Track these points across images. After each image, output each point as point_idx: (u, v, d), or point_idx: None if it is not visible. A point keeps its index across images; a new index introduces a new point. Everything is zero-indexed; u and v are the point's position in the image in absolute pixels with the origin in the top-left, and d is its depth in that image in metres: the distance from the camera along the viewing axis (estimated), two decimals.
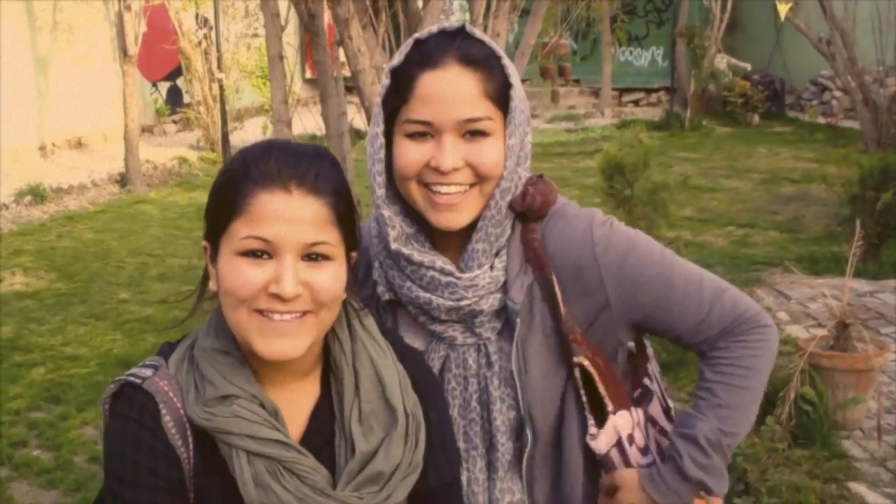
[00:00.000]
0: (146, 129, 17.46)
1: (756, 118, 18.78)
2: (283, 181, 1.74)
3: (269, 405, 1.79)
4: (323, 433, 1.86)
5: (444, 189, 2.06)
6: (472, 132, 2.04)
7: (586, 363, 2.17)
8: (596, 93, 21.46)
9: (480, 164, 2.05)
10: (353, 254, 1.89)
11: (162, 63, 17.78)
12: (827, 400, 5.89)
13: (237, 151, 1.86)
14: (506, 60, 2.08)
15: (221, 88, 14.82)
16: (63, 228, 11.87)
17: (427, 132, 2.05)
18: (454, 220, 2.09)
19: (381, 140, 2.10)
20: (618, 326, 2.21)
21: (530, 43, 4.06)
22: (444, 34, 2.08)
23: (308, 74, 20.25)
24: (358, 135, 4.96)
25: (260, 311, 1.75)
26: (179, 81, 18.19)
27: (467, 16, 4.53)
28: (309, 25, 4.01)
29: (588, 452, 2.25)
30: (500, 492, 2.22)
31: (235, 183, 1.77)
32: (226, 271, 1.77)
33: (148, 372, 1.81)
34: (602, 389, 2.21)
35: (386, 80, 2.08)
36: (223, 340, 1.83)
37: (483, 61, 2.04)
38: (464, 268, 2.13)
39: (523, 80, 4.15)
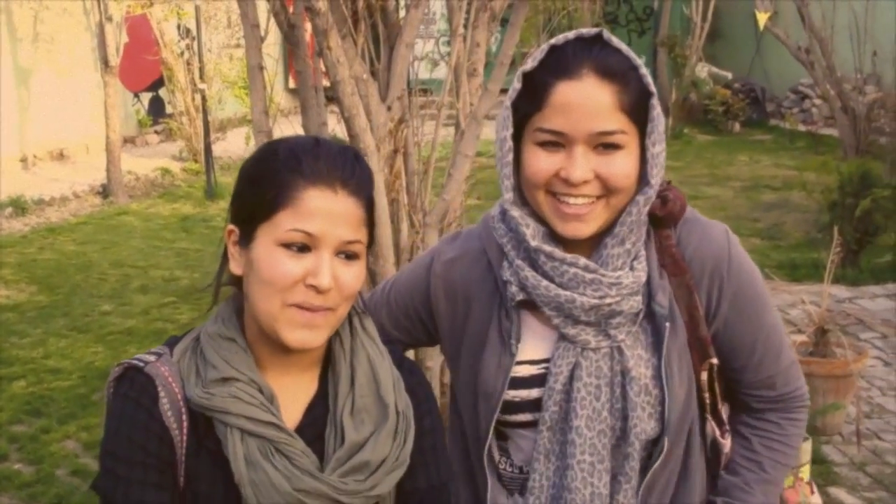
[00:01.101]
0: (128, 140, 17.40)
1: (737, 126, 18.84)
2: (331, 181, 1.84)
3: (266, 390, 1.87)
4: (316, 426, 1.93)
5: (571, 200, 2.06)
6: (605, 145, 2.04)
7: (717, 364, 2.23)
8: None
9: (610, 176, 2.04)
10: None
11: (144, 74, 17.73)
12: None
13: (279, 141, 1.95)
14: (643, 70, 2.08)
15: (204, 99, 14.80)
16: (44, 240, 11.82)
17: (559, 142, 2.04)
18: (581, 230, 2.08)
19: (510, 144, 2.11)
20: None
21: (509, 53, 4.07)
22: (581, 41, 2.06)
23: (291, 84, 20.24)
24: None
25: (294, 304, 1.83)
26: (162, 92, 18.14)
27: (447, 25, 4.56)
28: (289, 36, 4.02)
29: (707, 457, 2.30)
30: (626, 502, 2.19)
31: (283, 175, 1.86)
32: (265, 260, 1.85)
33: (151, 358, 1.90)
34: (718, 390, 2.26)
35: (517, 85, 2.08)
36: (230, 328, 1.92)
37: (620, 73, 2.03)
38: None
39: (503, 90, 4.18)
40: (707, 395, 2.22)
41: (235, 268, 1.91)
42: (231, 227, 1.92)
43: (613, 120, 2.02)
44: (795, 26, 13.92)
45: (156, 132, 18.42)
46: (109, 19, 13.72)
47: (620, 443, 2.16)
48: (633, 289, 2.11)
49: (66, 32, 16.15)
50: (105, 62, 13.78)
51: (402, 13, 4.12)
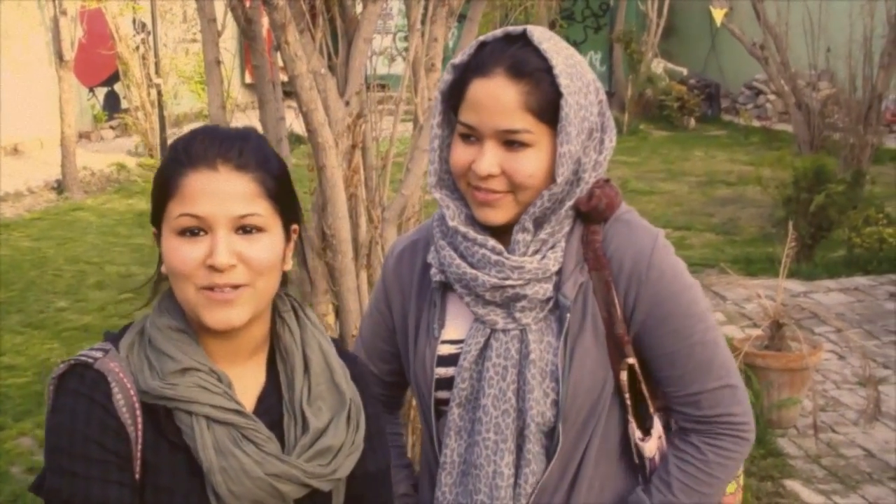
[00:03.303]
0: (83, 136, 17.25)
1: (692, 122, 18.93)
2: (210, 160, 1.85)
3: (224, 378, 1.89)
4: (270, 415, 1.95)
5: (481, 191, 2.15)
6: (511, 142, 2.12)
7: (636, 365, 2.23)
8: None
9: (514, 173, 2.13)
10: (295, 227, 1.99)
11: (99, 68, 17.58)
12: (762, 399, 5.98)
13: (173, 141, 1.97)
14: (559, 69, 2.11)
15: (159, 94, 14.73)
16: None
17: (473, 135, 2.14)
18: (492, 216, 2.18)
19: (436, 131, 2.25)
20: None
21: (466, 48, 4.07)
22: (505, 39, 2.15)
23: (248, 79, 20.14)
24: (297, 140, 4.95)
25: (205, 288, 1.84)
26: (117, 87, 17.99)
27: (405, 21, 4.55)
28: (246, 30, 4.00)
29: (626, 456, 2.31)
30: (527, 486, 2.22)
31: (168, 168, 1.88)
32: (167, 251, 1.87)
33: (98, 354, 1.89)
34: (646, 391, 2.27)
35: (447, 76, 2.19)
36: (177, 319, 1.93)
37: (529, 73, 2.10)
38: (512, 253, 2.19)
39: None
40: (628, 395, 2.24)
41: (164, 267, 1.93)
42: (154, 229, 1.94)
43: (518, 119, 2.11)
44: (750, 22, 14.00)
45: (111, 127, 18.27)
46: (64, 13, 13.62)
47: (523, 425, 2.21)
48: (536, 275, 2.18)
49: (20, 27, 15.98)
50: (60, 57, 13.68)
51: (359, 8, 4.11)
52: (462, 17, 4.48)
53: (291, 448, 1.91)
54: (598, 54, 21.13)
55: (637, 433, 2.27)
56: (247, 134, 1.94)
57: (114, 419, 1.83)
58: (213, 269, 1.83)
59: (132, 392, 1.86)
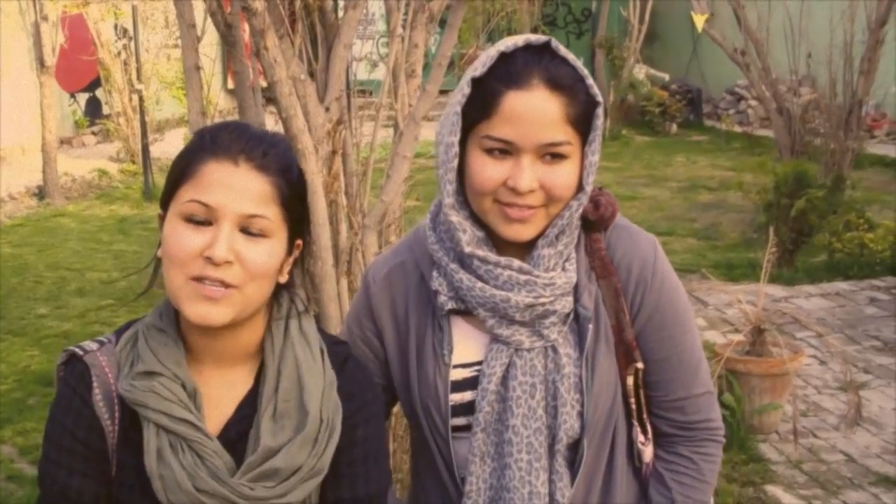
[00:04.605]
0: (65, 142, 17.22)
1: (674, 127, 18.99)
2: (233, 154, 1.85)
3: (189, 386, 1.88)
4: (242, 425, 1.93)
5: (517, 208, 2.09)
6: (552, 154, 2.07)
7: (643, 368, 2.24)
8: None
9: (554, 187, 2.08)
10: (299, 242, 1.98)
11: (80, 74, 17.56)
12: (744, 404, 5.99)
13: (206, 126, 1.97)
14: (591, 80, 2.11)
15: (141, 100, 14.69)
16: None
17: (507, 150, 2.07)
18: (524, 232, 2.12)
19: (457, 149, 2.12)
20: None
21: (447, 54, 4.07)
22: (530, 49, 2.09)
23: (230, 85, 20.12)
24: None
25: (194, 278, 1.82)
26: (98, 92, 17.98)
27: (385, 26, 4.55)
28: (225, 36, 3.99)
29: (632, 461, 2.31)
30: (564, 502, 2.19)
31: (190, 153, 1.89)
32: (168, 234, 1.86)
33: (94, 346, 1.92)
34: (644, 397, 2.27)
35: (467, 90, 2.10)
36: (165, 320, 1.93)
37: (569, 86, 2.07)
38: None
39: (442, 91, 4.18)
40: (633, 400, 2.24)
41: (160, 251, 1.91)
42: (160, 212, 1.94)
43: (561, 131, 2.06)
44: (731, 28, 14.03)
45: (93, 133, 18.24)
46: (45, 19, 13.58)
47: (553, 441, 2.18)
48: (565, 289, 2.15)
49: (1, 32, 15.92)
50: (41, 62, 13.64)
51: (340, 13, 4.11)
52: (443, 23, 4.47)
53: (244, 464, 1.89)
54: (581, 60, 21.07)
55: (640, 437, 2.28)
56: (276, 139, 1.95)
57: (89, 411, 1.87)
58: (208, 260, 1.81)
59: (113, 388, 1.87)
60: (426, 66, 4.44)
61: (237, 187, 1.83)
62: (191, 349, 1.93)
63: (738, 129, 18.11)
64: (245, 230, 1.84)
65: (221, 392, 1.93)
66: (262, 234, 1.86)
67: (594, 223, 2.21)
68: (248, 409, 1.95)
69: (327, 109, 3.88)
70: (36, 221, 12.83)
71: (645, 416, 2.29)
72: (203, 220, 1.83)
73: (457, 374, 2.22)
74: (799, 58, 12.39)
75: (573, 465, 2.20)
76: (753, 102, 18.14)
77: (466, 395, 2.21)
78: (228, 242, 1.81)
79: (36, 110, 14.10)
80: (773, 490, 5.54)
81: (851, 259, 9.35)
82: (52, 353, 7.75)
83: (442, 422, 2.22)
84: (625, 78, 19.09)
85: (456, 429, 2.23)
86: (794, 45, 12.29)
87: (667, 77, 20.31)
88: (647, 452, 2.30)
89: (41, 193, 13.94)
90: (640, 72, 19.80)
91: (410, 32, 4.24)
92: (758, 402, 6.07)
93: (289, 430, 1.90)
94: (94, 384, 1.87)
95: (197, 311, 1.83)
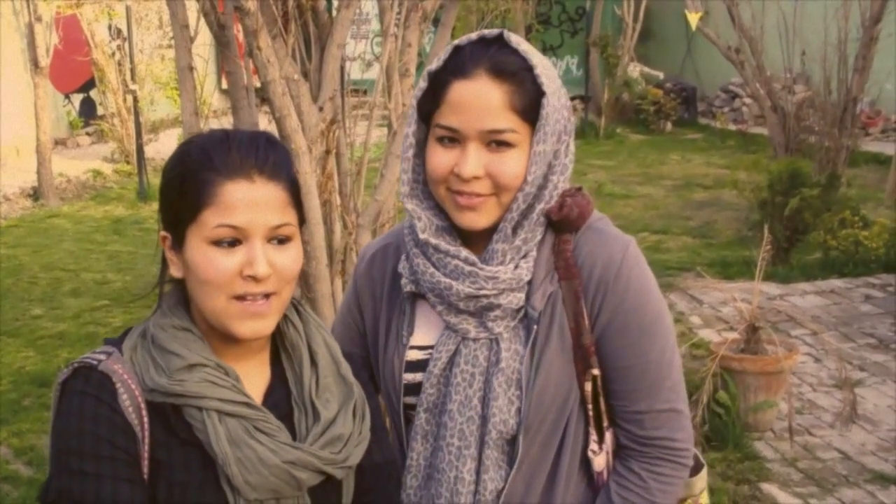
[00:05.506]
0: (59, 142, 17.19)
1: (669, 125, 18.99)
2: (246, 170, 1.88)
3: (231, 373, 1.92)
4: (279, 409, 1.97)
5: (465, 196, 2.14)
6: (497, 142, 2.11)
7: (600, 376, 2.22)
8: None
9: (500, 174, 2.12)
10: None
11: (75, 75, 17.52)
12: (739, 402, 5.99)
13: (191, 140, 1.98)
14: (539, 70, 2.12)
15: (135, 100, 14.67)
16: None
17: (455, 138, 2.12)
18: (475, 220, 2.16)
19: (411, 140, 2.23)
20: None
21: (440, 53, 4.07)
22: (481, 42, 2.15)
23: (224, 85, 20.12)
24: None
25: (237, 297, 1.87)
26: (93, 93, 17.95)
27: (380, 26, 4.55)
28: (219, 36, 3.99)
29: (585, 469, 2.29)
30: (486, 493, 2.22)
31: (198, 174, 1.89)
32: (199, 260, 1.89)
33: (102, 356, 1.91)
34: (603, 405, 2.26)
35: (423, 84, 2.18)
36: (182, 319, 1.94)
37: (512, 73, 2.10)
38: (486, 263, 2.19)
39: None
40: (590, 406, 2.23)
41: (175, 271, 1.95)
42: (164, 233, 1.96)
43: (503, 119, 2.10)
44: (725, 26, 14.05)
45: (87, 134, 18.21)
46: (39, 20, 13.56)
47: (489, 430, 2.21)
48: (510, 284, 2.18)
49: None
50: (35, 63, 13.63)
51: (333, 13, 4.11)
52: (436, 22, 4.48)
53: (303, 439, 1.94)
54: (575, 59, 21.19)
55: (593, 445, 2.26)
56: (271, 140, 1.98)
57: (120, 417, 1.85)
58: (251, 278, 1.86)
59: (137, 393, 1.87)
60: (420, 66, 4.44)
61: (260, 203, 1.88)
62: (211, 347, 1.96)
63: (732, 127, 18.10)
64: (273, 239, 1.90)
65: (245, 383, 1.95)
66: (288, 239, 1.92)
67: (560, 223, 2.21)
68: (278, 395, 2.00)
69: (321, 109, 3.88)
70: (31, 222, 12.82)
71: (604, 424, 2.27)
72: (232, 240, 1.87)
73: (412, 355, 2.29)
74: (793, 55, 12.40)
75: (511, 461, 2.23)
76: (748, 100, 18.14)
77: (418, 377, 2.28)
78: (264, 257, 1.87)
79: (30, 111, 14.08)
80: (769, 488, 5.54)
81: (846, 256, 9.35)
82: (47, 354, 7.76)
83: (396, 399, 2.31)
84: (619, 76, 19.10)
85: (408, 407, 2.31)
86: (788, 43, 12.30)
87: (661, 75, 20.31)
88: (598, 462, 2.27)
89: (36, 194, 13.93)
90: (635, 70, 19.81)
91: (404, 31, 4.24)
92: (753, 399, 6.08)
93: (334, 402, 1.98)
94: (120, 390, 1.86)
95: (248, 328, 1.89)
